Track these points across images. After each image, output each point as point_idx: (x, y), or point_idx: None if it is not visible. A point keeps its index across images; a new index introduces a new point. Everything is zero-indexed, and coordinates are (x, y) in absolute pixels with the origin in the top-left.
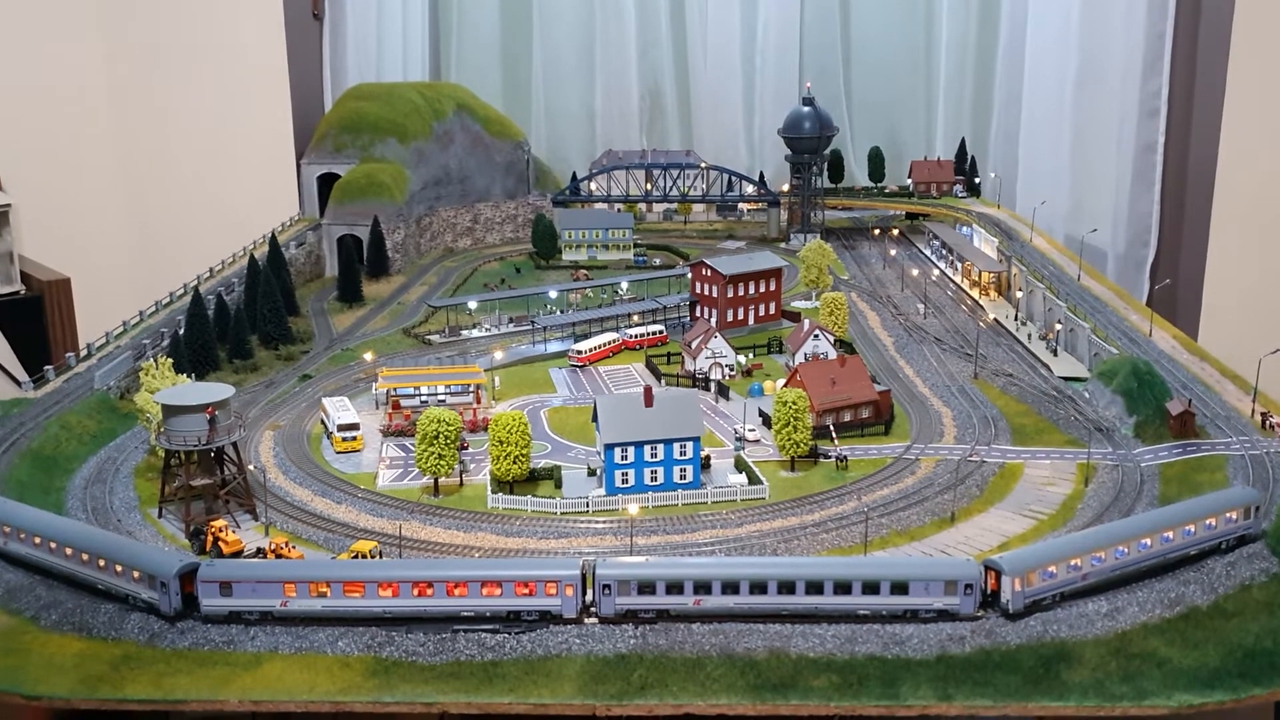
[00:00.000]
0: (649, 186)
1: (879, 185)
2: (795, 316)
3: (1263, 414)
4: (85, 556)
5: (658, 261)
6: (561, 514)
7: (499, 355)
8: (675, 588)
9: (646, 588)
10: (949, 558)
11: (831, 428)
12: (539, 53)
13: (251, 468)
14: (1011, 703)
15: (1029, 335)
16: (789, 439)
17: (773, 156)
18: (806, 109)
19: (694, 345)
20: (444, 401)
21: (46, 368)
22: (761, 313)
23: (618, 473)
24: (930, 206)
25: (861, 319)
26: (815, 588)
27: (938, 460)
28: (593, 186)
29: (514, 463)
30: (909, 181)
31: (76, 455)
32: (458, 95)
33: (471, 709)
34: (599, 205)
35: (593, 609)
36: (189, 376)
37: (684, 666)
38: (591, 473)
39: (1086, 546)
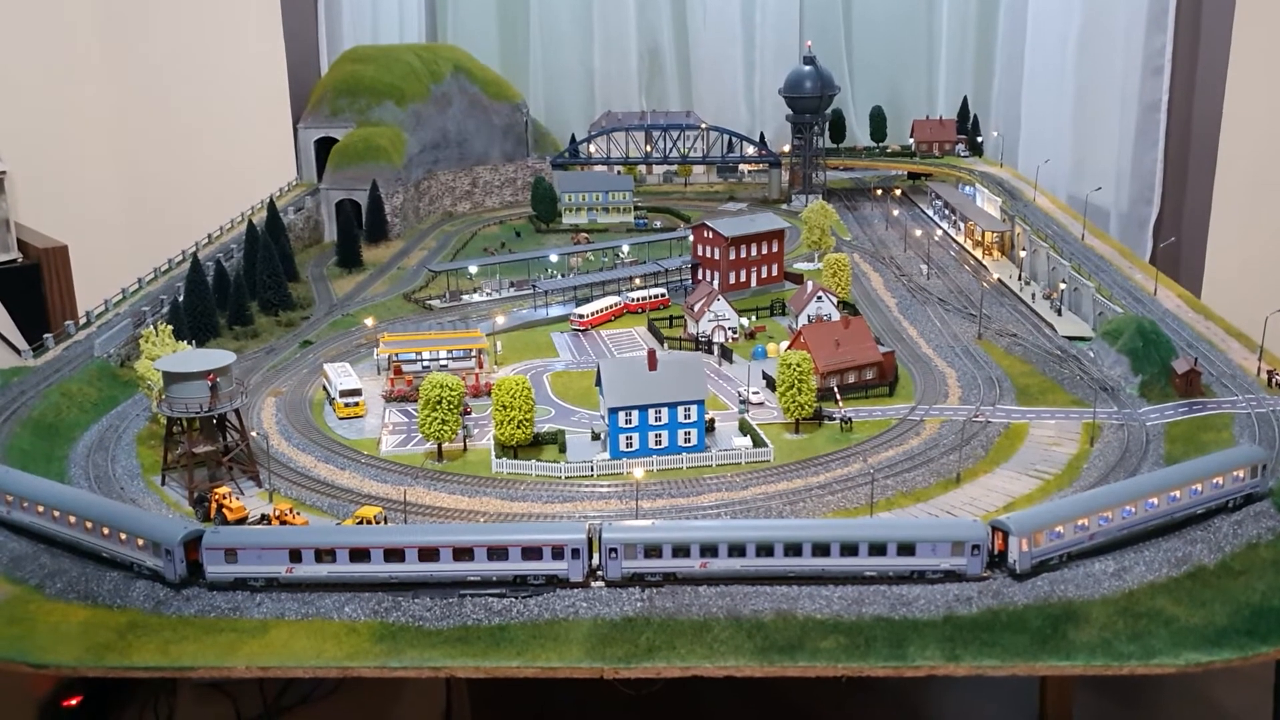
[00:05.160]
0: (649, 148)
1: (881, 145)
2: (798, 278)
3: (1269, 372)
4: (89, 524)
5: (658, 224)
6: (566, 478)
7: (500, 320)
8: (681, 551)
9: (653, 551)
10: (955, 518)
11: (836, 390)
12: (536, 13)
13: (254, 434)
14: (1019, 663)
15: (1033, 295)
16: (793, 401)
17: (773, 117)
18: (807, 68)
19: (696, 308)
20: (446, 366)
21: (46, 336)
22: (764, 275)
23: (622, 436)
24: (933, 166)
25: (865, 280)
26: (821, 549)
27: (942, 421)
28: (592, 149)
29: (517, 427)
30: (911, 141)
31: (78, 423)
32: (455, 57)
33: (479, 673)
34: (598, 168)
35: (599, 572)
36: (189, 343)
37: (691, 629)
38: (595, 437)
39: (1093, 506)
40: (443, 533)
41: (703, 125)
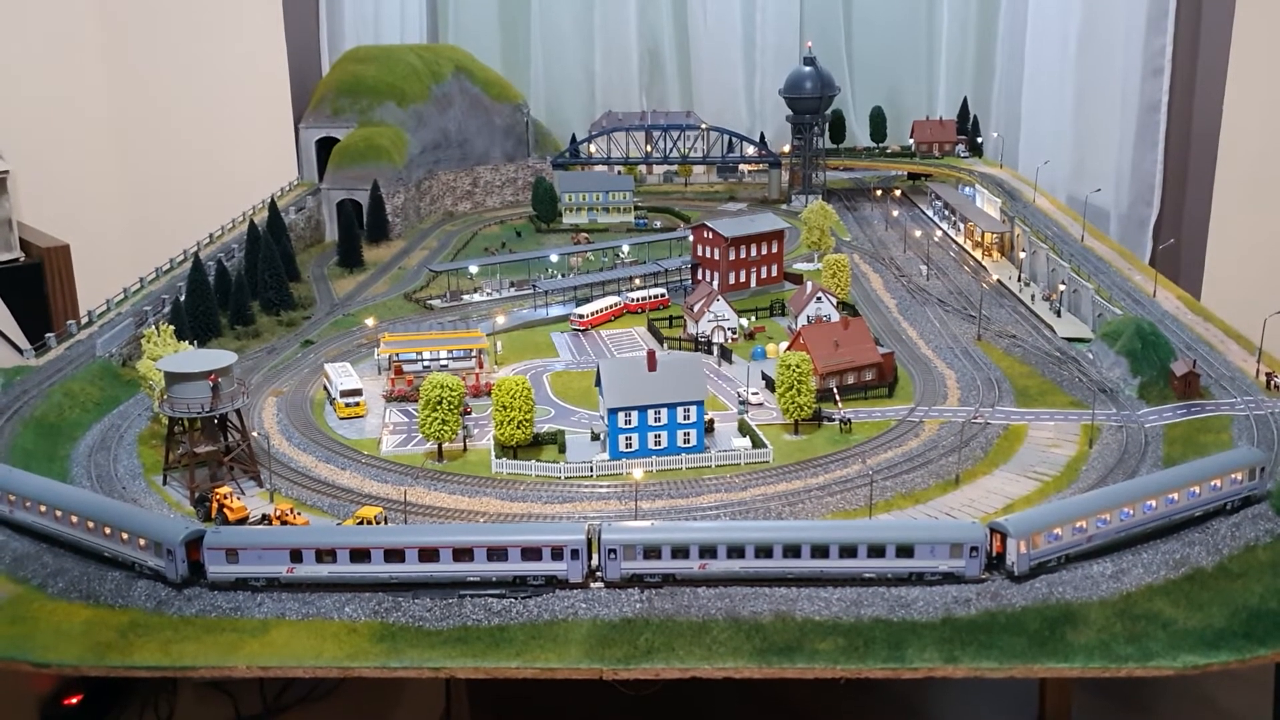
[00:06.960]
0: (649, 148)
1: (881, 145)
2: (798, 279)
3: (1268, 374)
4: (91, 524)
5: (658, 224)
6: (565, 478)
7: (501, 320)
8: (681, 552)
9: (652, 552)
10: (954, 520)
11: (835, 390)
12: (537, 14)
13: (255, 434)
14: (1017, 664)
15: (1032, 296)
16: (792, 402)
17: (774, 117)
18: (808, 69)
19: (696, 308)
20: (446, 366)
21: (48, 335)
22: (764, 275)
23: (621, 437)
24: (932, 167)
25: (864, 281)
26: (820, 551)
27: (942, 422)
28: (592, 149)
29: (517, 428)
30: (911, 141)
31: (80, 423)
32: (456, 57)
33: (478, 674)
34: (599, 168)
35: (598, 573)
36: (191, 343)
37: (690, 630)
38: (595, 437)
39: (1091, 508)
40: (442, 533)
41: (703, 125)
